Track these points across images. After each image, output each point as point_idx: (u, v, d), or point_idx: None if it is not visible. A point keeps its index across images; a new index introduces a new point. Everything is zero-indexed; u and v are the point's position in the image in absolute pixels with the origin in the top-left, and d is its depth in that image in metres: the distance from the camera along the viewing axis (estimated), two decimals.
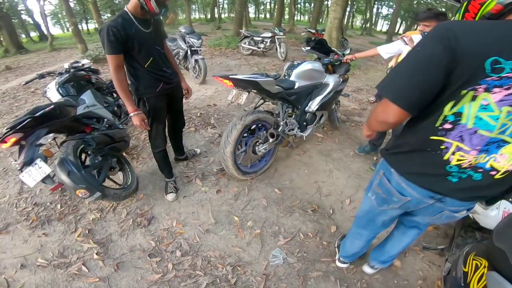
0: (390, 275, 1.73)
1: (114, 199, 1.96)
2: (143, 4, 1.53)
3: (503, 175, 0.84)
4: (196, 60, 4.95)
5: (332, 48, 2.76)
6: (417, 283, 1.69)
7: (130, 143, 2.61)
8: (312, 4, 27.29)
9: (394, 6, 19.95)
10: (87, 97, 2.41)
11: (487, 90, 0.69)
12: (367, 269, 1.71)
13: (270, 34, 6.96)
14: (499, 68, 0.66)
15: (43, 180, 1.63)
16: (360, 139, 3.32)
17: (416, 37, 2.15)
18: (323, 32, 8.74)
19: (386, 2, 26.31)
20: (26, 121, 1.57)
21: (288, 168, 2.67)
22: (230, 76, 1.91)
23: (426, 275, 1.74)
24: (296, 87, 2.39)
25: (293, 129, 2.49)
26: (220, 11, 22.81)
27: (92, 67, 3.01)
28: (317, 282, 1.66)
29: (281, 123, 2.30)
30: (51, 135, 1.78)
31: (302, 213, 2.14)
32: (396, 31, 18.55)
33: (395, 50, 2.42)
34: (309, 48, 2.90)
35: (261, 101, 2.49)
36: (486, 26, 0.70)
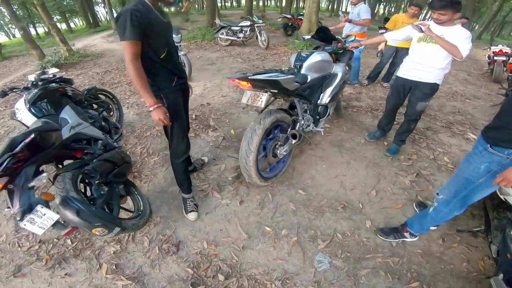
0: (435, 261, 1.73)
1: (134, 229, 1.73)
2: None
3: None
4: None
5: (336, 36, 2.63)
6: (463, 265, 1.71)
7: None
8: None
9: None
10: (68, 114, 2.02)
11: None
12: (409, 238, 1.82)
13: (248, 23, 6.68)
14: None
15: (53, 226, 1.36)
16: (365, 125, 3.29)
17: (434, 26, 2.05)
18: (299, 17, 8.59)
19: None
20: (5, 163, 1.26)
21: (305, 164, 2.56)
22: (249, 77, 1.71)
23: (468, 257, 1.76)
24: (308, 80, 2.24)
25: (309, 125, 2.37)
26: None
27: (64, 77, 2.63)
28: (369, 279, 1.62)
29: (301, 121, 2.16)
30: (44, 174, 1.47)
31: (333, 212, 2.06)
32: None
33: (404, 37, 2.34)
34: (309, 37, 2.76)
35: (272, 98, 2.32)
36: None
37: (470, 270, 1.68)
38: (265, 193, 2.22)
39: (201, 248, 1.81)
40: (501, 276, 1.35)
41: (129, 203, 2.00)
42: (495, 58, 5.65)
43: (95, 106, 2.91)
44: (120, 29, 1.34)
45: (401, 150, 2.78)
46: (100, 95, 3.14)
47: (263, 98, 1.86)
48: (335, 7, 25.61)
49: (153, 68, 1.55)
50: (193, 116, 3.53)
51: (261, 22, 6.81)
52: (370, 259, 1.73)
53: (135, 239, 1.88)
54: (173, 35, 4.76)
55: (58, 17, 19.76)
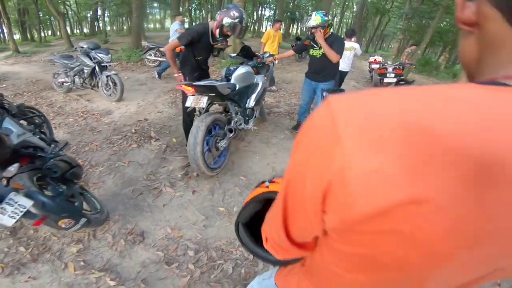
0: None
1: (97, 223, 1.89)
2: (212, 28, 2.59)
3: None
4: (108, 76, 4.64)
5: (256, 53, 3.34)
6: None
7: None
8: (203, 11, 28.05)
9: (277, 9, 23.08)
10: (11, 124, 2.05)
11: None
12: None
13: None
14: None
15: (23, 215, 1.46)
16: (285, 125, 4.10)
17: None
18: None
19: (268, 5, 29.91)
20: None
21: (242, 158, 3.09)
22: (193, 84, 2.19)
23: None
24: (237, 88, 2.82)
25: (241, 124, 2.93)
26: (102, 24, 20.44)
27: None
28: None
29: (235, 119, 2.70)
30: (16, 165, 1.56)
31: None
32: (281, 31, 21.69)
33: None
34: (235, 54, 3.39)
35: (209, 102, 2.80)
36: None
37: None
38: (213, 182, 2.63)
39: (165, 233, 2.05)
40: None
41: (84, 205, 2.11)
42: (372, 66, 7.27)
43: (24, 121, 2.82)
44: (184, 34, 2.65)
45: None
46: (28, 112, 3.03)
47: (203, 100, 2.33)
48: (256, 28, 28.41)
49: (186, 63, 2.81)
50: (133, 131, 3.66)
51: None
52: None
53: (97, 237, 1.99)
54: (103, 55, 4.82)
55: None
